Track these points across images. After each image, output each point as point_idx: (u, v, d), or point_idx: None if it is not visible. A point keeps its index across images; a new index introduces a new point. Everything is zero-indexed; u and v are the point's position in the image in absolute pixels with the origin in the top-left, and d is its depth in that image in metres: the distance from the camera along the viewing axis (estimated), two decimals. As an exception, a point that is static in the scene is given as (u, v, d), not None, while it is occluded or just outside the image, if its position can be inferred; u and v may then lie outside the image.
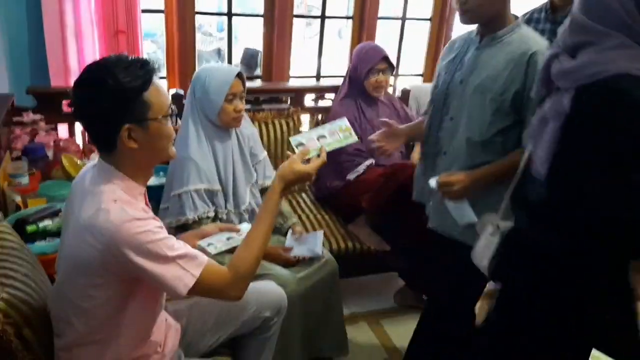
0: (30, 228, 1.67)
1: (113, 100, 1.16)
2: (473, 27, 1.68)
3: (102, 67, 1.20)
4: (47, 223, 1.71)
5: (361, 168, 2.45)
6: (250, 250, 1.31)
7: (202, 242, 1.55)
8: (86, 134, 2.41)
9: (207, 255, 1.38)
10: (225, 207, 1.97)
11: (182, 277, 1.18)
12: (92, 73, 1.20)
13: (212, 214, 1.91)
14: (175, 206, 1.89)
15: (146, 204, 1.32)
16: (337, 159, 2.49)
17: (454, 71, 1.69)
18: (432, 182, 1.62)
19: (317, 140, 1.56)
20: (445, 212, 1.69)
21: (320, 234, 2.07)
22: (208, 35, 6.54)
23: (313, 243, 2.02)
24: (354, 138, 1.59)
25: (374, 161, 2.48)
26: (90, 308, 1.22)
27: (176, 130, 1.34)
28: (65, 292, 1.25)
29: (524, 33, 1.60)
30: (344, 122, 1.62)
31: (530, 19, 1.92)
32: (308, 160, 1.45)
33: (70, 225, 1.23)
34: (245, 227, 1.66)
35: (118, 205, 1.16)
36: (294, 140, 1.60)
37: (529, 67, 1.54)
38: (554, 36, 1.71)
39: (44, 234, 1.70)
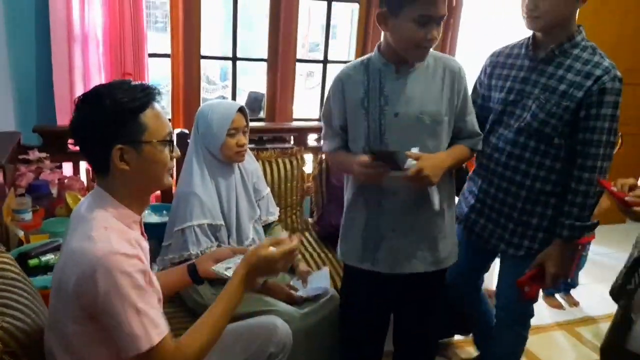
0: (32, 262, 1.66)
1: (107, 117, 1.16)
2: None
3: (105, 86, 1.21)
4: (49, 257, 1.70)
5: None
6: (200, 332, 1.24)
7: (219, 267, 1.48)
8: (89, 170, 2.45)
9: (224, 277, 1.36)
10: (229, 243, 1.95)
11: (139, 337, 1.11)
12: (94, 91, 1.21)
13: (214, 249, 1.89)
14: (179, 242, 1.87)
15: (142, 233, 1.30)
16: (342, 194, 2.49)
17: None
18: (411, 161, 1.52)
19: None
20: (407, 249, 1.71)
21: (325, 270, 2.03)
22: (212, 84, 6.69)
23: (319, 281, 1.99)
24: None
25: None
26: (72, 341, 1.16)
27: (175, 159, 1.31)
28: (51, 323, 1.22)
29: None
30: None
31: (510, 54, 1.85)
32: None
33: (61, 252, 1.22)
34: None
35: (107, 233, 1.13)
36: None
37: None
38: (533, 74, 1.72)
39: (46, 268, 1.68)
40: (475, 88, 1.98)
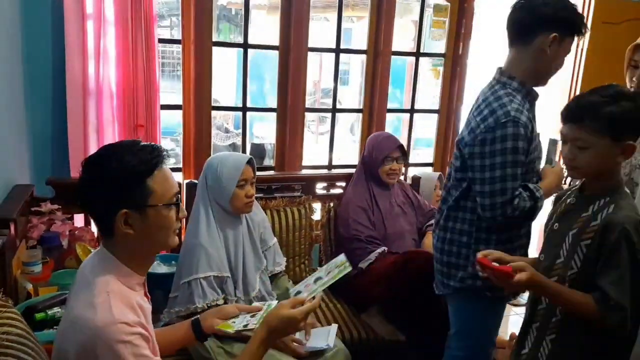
0: (39, 316, 1.66)
1: (113, 182, 1.15)
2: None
3: (112, 148, 1.21)
4: (56, 310, 1.70)
5: (373, 256, 2.43)
6: None
7: (235, 324, 1.49)
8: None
9: (227, 334, 1.38)
10: (235, 294, 1.95)
11: None
12: (101, 153, 1.21)
13: (221, 302, 1.89)
14: (185, 294, 1.88)
15: (145, 295, 1.29)
16: (349, 246, 2.48)
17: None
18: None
19: (313, 283, 1.58)
20: None
21: (333, 328, 1.96)
22: (224, 132, 6.80)
23: (322, 337, 1.91)
24: (348, 268, 1.63)
25: (386, 249, 2.47)
26: None
27: (183, 219, 1.31)
28: None
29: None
30: (340, 258, 1.67)
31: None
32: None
33: (65, 313, 1.22)
34: (274, 303, 1.63)
35: (109, 300, 1.12)
36: (293, 291, 1.62)
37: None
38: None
39: (53, 322, 1.68)
40: None
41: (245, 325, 1.49)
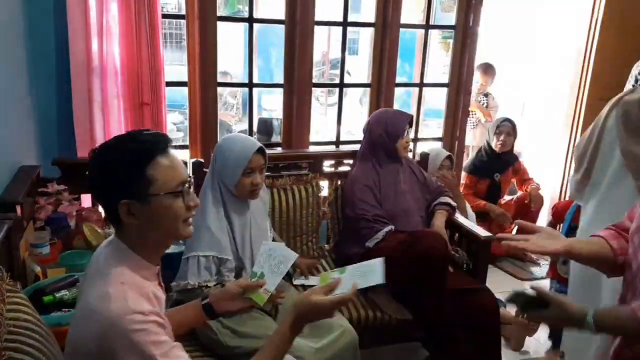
0: (47, 298, 1.67)
1: (112, 172, 1.15)
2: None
3: (116, 138, 1.22)
4: (63, 293, 1.71)
5: (380, 234, 2.42)
6: None
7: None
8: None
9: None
10: (234, 277, 1.95)
11: None
12: (105, 143, 1.22)
13: (211, 284, 1.89)
14: (182, 269, 1.90)
15: (159, 284, 1.30)
16: (356, 225, 2.47)
17: None
18: None
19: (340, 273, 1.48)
20: None
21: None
22: (234, 109, 6.76)
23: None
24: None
25: (393, 227, 2.45)
26: None
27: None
28: None
29: None
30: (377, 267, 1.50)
31: None
32: None
33: (79, 303, 1.22)
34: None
35: (123, 290, 1.12)
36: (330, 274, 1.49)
37: None
38: None
39: (61, 305, 1.69)
40: None
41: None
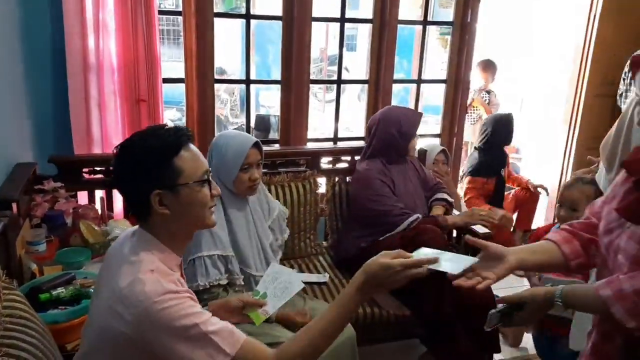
0: (43, 296, 1.66)
1: (141, 165, 1.20)
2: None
3: (139, 133, 1.26)
4: (60, 291, 1.70)
5: (406, 223, 2.41)
6: (307, 336, 1.19)
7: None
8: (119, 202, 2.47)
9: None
10: (241, 273, 1.95)
11: (215, 355, 1.12)
12: (129, 139, 1.25)
13: (224, 282, 1.89)
14: (189, 272, 1.88)
15: (182, 275, 1.32)
16: (378, 221, 2.45)
17: None
18: None
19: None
20: None
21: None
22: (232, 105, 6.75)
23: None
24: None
25: (420, 216, 2.45)
26: None
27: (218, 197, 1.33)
28: None
29: None
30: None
31: None
32: None
33: (104, 293, 1.22)
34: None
35: (155, 276, 1.15)
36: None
37: None
38: None
39: (57, 302, 1.69)
40: None
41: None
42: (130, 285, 1.14)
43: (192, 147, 1.26)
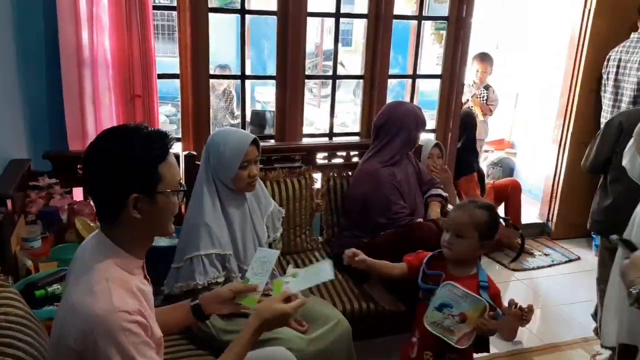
0: (38, 293, 1.67)
1: (127, 168, 1.17)
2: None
3: (120, 134, 1.22)
4: (55, 287, 1.70)
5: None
6: None
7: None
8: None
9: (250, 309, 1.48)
10: (239, 272, 1.95)
11: None
12: (108, 140, 1.21)
13: (221, 279, 1.90)
14: (187, 270, 1.88)
15: (145, 277, 1.31)
16: (385, 228, 2.46)
17: None
18: None
19: (292, 278, 1.68)
20: None
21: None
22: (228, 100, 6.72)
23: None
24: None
25: (421, 220, 2.47)
26: None
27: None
28: None
29: None
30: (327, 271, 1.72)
31: None
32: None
33: (62, 299, 1.22)
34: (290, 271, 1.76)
35: (108, 286, 1.13)
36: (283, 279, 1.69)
37: None
38: None
39: (53, 299, 1.69)
40: None
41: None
42: (82, 296, 1.13)
43: (171, 155, 1.25)
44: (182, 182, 1.31)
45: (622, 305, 1.81)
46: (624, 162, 2.03)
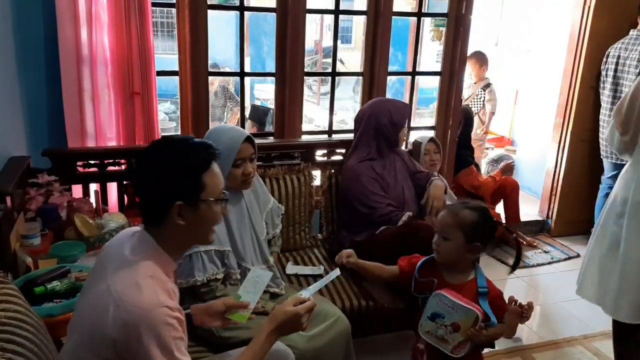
0: (38, 289, 1.67)
1: (173, 175, 1.24)
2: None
3: (170, 144, 1.30)
4: (55, 284, 1.70)
5: (401, 222, 2.42)
6: None
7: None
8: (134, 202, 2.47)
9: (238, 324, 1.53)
10: (237, 268, 1.95)
11: None
12: (160, 150, 1.29)
13: (221, 276, 1.90)
14: (186, 267, 1.88)
15: (175, 282, 1.36)
16: (368, 218, 2.46)
17: None
18: None
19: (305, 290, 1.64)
20: None
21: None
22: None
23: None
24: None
25: (411, 214, 2.47)
26: None
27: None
28: (68, 357, 1.23)
29: None
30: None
31: None
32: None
33: (98, 289, 1.22)
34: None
35: (152, 283, 1.18)
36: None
37: None
38: None
39: (52, 296, 1.69)
40: None
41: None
42: (127, 290, 1.16)
43: (216, 165, 1.31)
44: (225, 192, 1.36)
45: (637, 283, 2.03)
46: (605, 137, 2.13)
